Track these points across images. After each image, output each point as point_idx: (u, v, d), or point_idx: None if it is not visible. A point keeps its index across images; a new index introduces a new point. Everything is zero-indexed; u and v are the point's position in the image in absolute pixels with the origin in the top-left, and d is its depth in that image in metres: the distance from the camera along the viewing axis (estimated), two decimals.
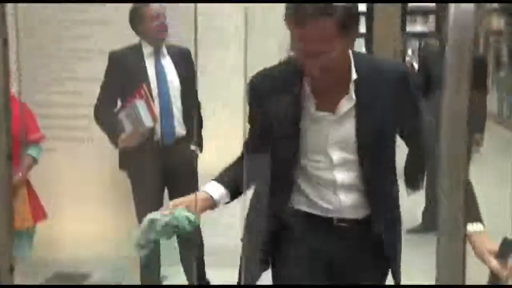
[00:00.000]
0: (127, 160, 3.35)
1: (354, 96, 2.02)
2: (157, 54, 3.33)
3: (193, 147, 3.39)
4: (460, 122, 0.89)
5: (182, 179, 3.32)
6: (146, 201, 3.23)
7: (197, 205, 1.95)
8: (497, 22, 16.46)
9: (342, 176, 2.08)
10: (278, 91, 2.07)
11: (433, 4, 26.84)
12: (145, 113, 3.06)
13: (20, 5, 3.63)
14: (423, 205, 5.44)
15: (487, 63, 5.70)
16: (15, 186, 3.06)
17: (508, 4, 15.36)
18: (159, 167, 3.29)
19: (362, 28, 23.94)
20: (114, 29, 3.65)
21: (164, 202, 3.32)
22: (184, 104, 3.37)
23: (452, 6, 0.87)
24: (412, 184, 2.34)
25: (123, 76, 3.25)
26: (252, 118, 2.19)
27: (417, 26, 27.13)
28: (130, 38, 3.42)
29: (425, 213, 5.46)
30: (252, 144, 2.15)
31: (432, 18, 27.57)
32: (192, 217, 1.87)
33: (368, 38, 22.79)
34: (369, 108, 2.06)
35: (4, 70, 1.08)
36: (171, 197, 3.37)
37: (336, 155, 2.07)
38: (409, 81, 2.16)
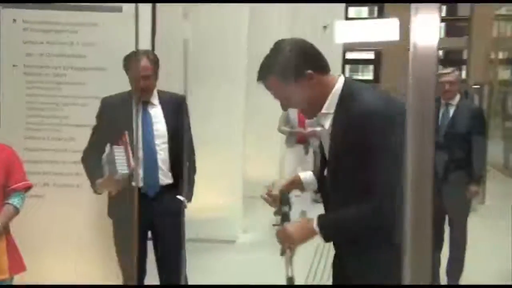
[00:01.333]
0: (113, 208, 3.34)
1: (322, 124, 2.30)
2: (145, 103, 3.35)
3: (180, 198, 3.34)
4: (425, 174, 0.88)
5: (166, 229, 3.35)
6: (126, 249, 3.22)
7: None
8: (504, 73, 16.50)
9: None
10: None
11: (371, 55, 27.10)
12: (121, 160, 3.09)
13: (16, 50, 3.67)
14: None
15: (483, 114, 5.62)
16: None
17: None
18: (143, 216, 3.22)
19: (370, 76, 24.26)
20: (110, 76, 3.64)
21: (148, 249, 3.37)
22: (172, 154, 3.37)
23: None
24: None
25: (111, 123, 3.28)
26: None
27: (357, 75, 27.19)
28: (126, 84, 3.42)
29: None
30: None
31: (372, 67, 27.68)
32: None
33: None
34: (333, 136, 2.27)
35: None
36: (155, 246, 3.38)
37: None
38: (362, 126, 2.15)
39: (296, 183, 2.65)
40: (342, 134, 2.20)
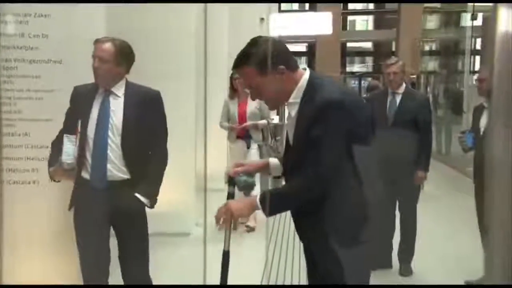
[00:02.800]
0: (72, 200, 3.28)
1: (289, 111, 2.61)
2: (106, 94, 3.24)
3: (139, 196, 3.25)
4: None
5: (123, 226, 3.29)
6: (85, 242, 3.26)
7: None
8: (432, 64, 17.15)
9: None
10: None
11: (369, 45, 27.76)
12: (68, 149, 3.10)
13: None
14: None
15: (429, 102, 5.84)
16: None
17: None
18: (99, 209, 3.21)
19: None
20: (66, 69, 3.56)
21: (109, 242, 3.35)
22: (129, 149, 3.24)
23: None
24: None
25: (74, 112, 3.23)
26: None
27: (354, 67, 28.00)
28: (83, 77, 3.34)
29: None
30: None
31: (369, 59, 28.50)
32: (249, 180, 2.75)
33: None
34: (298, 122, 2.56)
35: None
36: (119, 239, 3.31)
37: None
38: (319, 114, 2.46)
39: (264, 167, 2.87)
40: (306, 120, 2.48)
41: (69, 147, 3.11)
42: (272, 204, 2.47)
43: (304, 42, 24.86)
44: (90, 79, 3.23)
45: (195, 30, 5.80)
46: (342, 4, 25.34)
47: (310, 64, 24.11)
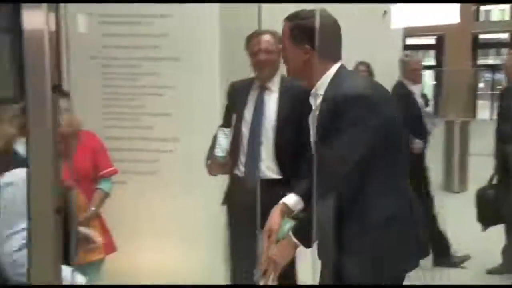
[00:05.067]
0: (226, 196, 3.31)
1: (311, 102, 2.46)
2: (262, 89, 3.21)
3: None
4: None
5: None
6: (238, 239, 3.25)
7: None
8: None
9: None
10: None
11: (505, 36, 26.33)
12: (220, 142, 3.03)
13: (92, 44, 3.80)
14: (502, 244, 5.31)
15: None
16: (88, 219, 3.15)
17: None
18: (249, 208, 2.78)
19: (431, 61, 23.79)
20: (183, 66, 3.73)
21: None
22: (278, 146, 3.15)
23: None
24: None
25: (230, 106, 3.26)
26: None
27: (489, 60, 26.70)
28: (202, 74, 3.51)
29: (505, 253, 5.25)
30: None
31: (504, 51, 27.03)
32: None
33: (438, 71, 22.51)
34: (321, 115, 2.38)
35: (53, 114, 1.14)
36: None
37: None
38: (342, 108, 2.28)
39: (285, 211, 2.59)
40: (329, 114, 2.32)
41: (223, 141, 3.04)
42: (305, 233, 2.28)
43: (433, 35, 24.03)
44: (206, 75, 3.38)
45: None
46: None
47: (439, 58, 23.32)
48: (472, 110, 22.02)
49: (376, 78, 6.89)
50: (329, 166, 2.28)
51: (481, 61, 25.93)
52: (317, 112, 2.44)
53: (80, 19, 3.80)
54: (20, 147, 2.49)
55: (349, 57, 7.50)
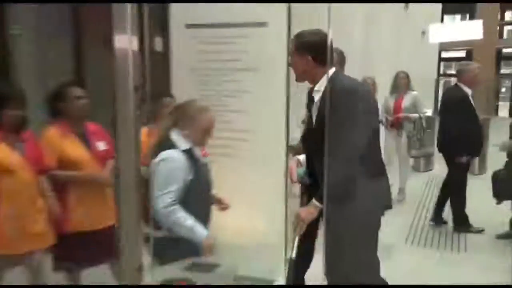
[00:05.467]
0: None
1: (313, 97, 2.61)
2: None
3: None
4: None
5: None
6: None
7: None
8: None
9: None
10: None
11: (463, 54, 24.87)
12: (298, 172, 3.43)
13: (191, 58, 3.92)
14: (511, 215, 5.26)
15: None
16: None
17: None
18: None
19: None
20: (259, 75, 3.77)
21: None
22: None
23: None
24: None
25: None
26: None
27: (509, 69, 25.43)
28: (272, 81, 3.61)
29: None
30: None
31: None
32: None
33: None
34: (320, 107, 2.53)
35: (134, 106, 1.21)
36: None
37: None
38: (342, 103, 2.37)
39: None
40: (328, 104, 2.38)
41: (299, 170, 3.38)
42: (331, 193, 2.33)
43: (463, 49, 23.10)
44: (275, 82, 3.50)
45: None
46: (499, 15, 23.17)
47: None
48: (494, 109, 21.28)
49: (416, 82, 6.80)
50: (333, 150, 2.30)
51: (503, 71, 24.82)
52: (318, 104, 2.56)
53: (184, 41, 3.96)
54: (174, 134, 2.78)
55: (397, 67, 7.33)
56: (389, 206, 2.70)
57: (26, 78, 4.09)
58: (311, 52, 2.53)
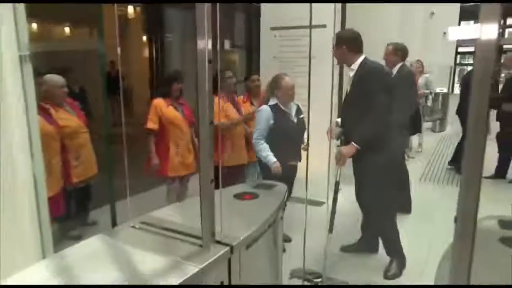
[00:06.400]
0: None
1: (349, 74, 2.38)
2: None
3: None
4: None
5: None
6: None
7: None
8: None
9: None
10: None
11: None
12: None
13: (275, 49, 3.60)
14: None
15: None
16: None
17: None
18: None
19: None
20: (316, 60, 3.32)
21: None
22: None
23: None
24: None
25: None
26: None
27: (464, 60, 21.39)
28: (325, 65, 3.13)
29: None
30: None
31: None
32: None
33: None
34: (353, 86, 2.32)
35: (209, 80, 1.01)
36: None
37: None
38: (370, 78, 2.24)
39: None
40: (359, 80, 2.27)
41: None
42: (361, 141, 2.28)
43: (474, 46, 19.84)
44: (327, 66, 3.03)
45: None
46: (502, 20, 19.39)
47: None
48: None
49: (438, 69, 5.84)
50: (362, 114, 2.23)
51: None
52: (352, 79, 2.35)
53: (269, 38, 3.69)
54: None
55: (424, 58, 6.22)
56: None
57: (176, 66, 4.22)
58: (345, 44, 2.36)
